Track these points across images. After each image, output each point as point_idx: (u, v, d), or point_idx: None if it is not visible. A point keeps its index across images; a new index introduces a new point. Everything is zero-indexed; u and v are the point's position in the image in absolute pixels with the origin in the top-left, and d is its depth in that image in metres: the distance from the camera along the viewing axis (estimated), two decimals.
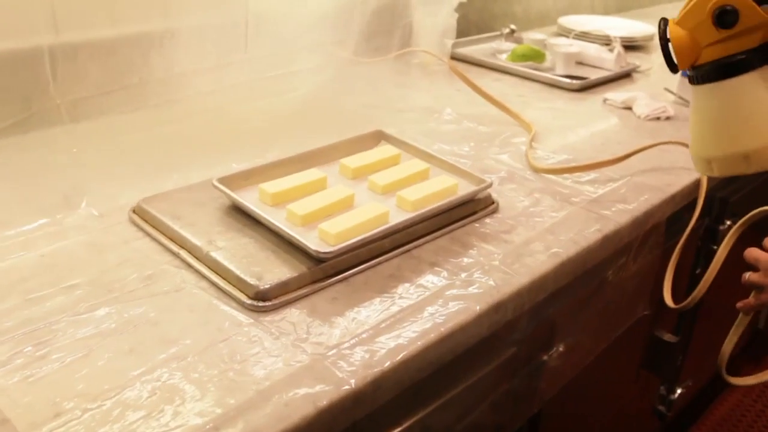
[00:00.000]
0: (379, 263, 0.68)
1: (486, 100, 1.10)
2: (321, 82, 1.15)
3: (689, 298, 0.84)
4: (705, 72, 0.65)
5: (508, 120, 1.08)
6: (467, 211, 0.77)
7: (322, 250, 0.64)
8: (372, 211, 0.71)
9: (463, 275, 0.68)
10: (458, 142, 0.99)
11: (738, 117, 0.66)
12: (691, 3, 0.65)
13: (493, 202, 0.80)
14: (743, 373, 0.80)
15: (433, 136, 1.00)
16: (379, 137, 0.90)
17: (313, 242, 0.65)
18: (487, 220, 0.78)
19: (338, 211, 0.72)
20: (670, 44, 0.66)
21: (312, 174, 0.78)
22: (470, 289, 0.65)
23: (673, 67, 0.67)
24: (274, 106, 1.07)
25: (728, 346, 0.82)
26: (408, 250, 0.71)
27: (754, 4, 0.61)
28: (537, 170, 0.89)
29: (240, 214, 0.72)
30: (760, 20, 0.62)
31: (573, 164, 0.91)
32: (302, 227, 0.70)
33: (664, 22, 0.67)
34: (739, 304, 0.79)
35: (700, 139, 0.69)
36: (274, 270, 0.64)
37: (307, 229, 0.69)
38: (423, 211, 0.72)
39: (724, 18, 0.62)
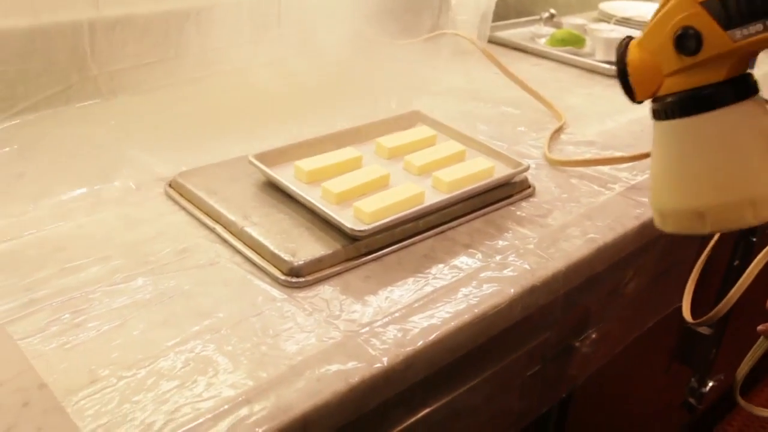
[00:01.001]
0: (413, 243, 0.68)
1: (520, 86, 1.09)
2: (353, 61, 1.14)
3: (711, 313, 0.75)
4: (666, 106, 0.54)
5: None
6: (503, 194, 0.77)
7: (357, 228, 0.64)
8: (407, 191, 0.71)
9: (498, 258, 0.67)
10: (495, 126, 0.98)
11: (696, 165, 0.54)
12: (654, 19, 0.54)
13: (529, 186, 0.80)
14: (759, 387, 0.75)
15: (469, 119, 0.99)
16: (415, 118, 0.90)
17: (347, 220, 0.65)
18: (523, 203, 0.77)
19: (373, 190, 0.72)
20: (628, 69, 0.55)
21: (348, 152, 0.78)
22: (505, 271, 0.65)
23: (631, 96, 0.56)
24: (308, 83, 1.06)
25: (744, 369, 0.73)
26: (442, 231, 0.71)
27: (719, 28, 0.50)
28: (552, 163, 0.87)
29: (275, 190, 0.73)
30: (727, 48, 0.51)
31: (591, 157, 0.90)
32: (337, 205, 0.70)
33: (626, 41, 0.56)
34: (760, 328, 0.71)
35: (654, 186, 0.58)
36: (308, 247, 0.64)
37: (342, 207, 0.69)
38: (458, 192, 0.72)
39: (685, 42, 0.51)
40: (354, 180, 0.72)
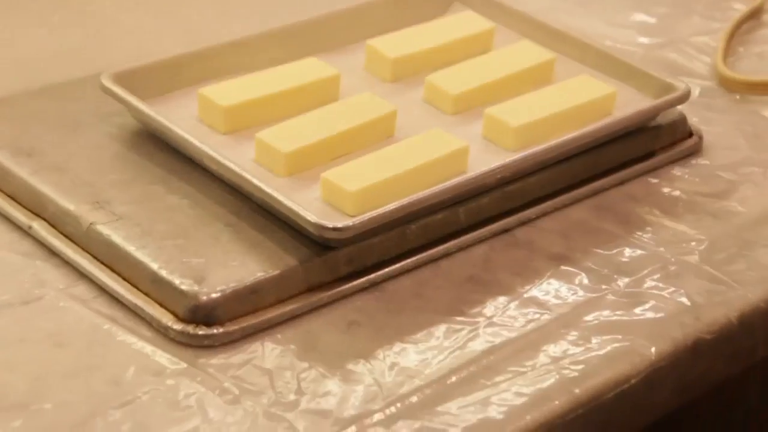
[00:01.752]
0: (448, 254, 0.69)
1: None
2: None
3: None
4: None
5: None
6: (635, 149, 0.78)
7: (331, 225, 0.63)
8: (432, 147, 0.71)
9: (624, 282, 0.68)
10: (615, 10, 0.99)
11: None
12: None
13: (690, 134, 0.80)
14: None
15: None
16: None
17: (311, 208, 0.65)
18: (677, 170, 0.78)
19: (362, 146, 0.73)
20: None
21: (308, 69, 0.78)
22: (639, 310, 0.65)
23: None
24: None
25: None
26: (508, 229, 0.71)
27: None
28: (736, 87, 0.89)
29: (160, 148, 0.73)
30: None
31: None
32: (288, 177, 0.70)
33: None
34: None
35: None
36: (231, 263, 0.64)
37: (299, 181, 0.70)
38: (540, 149, 0.72)
39: None
40: (322, 126, 0.72)
